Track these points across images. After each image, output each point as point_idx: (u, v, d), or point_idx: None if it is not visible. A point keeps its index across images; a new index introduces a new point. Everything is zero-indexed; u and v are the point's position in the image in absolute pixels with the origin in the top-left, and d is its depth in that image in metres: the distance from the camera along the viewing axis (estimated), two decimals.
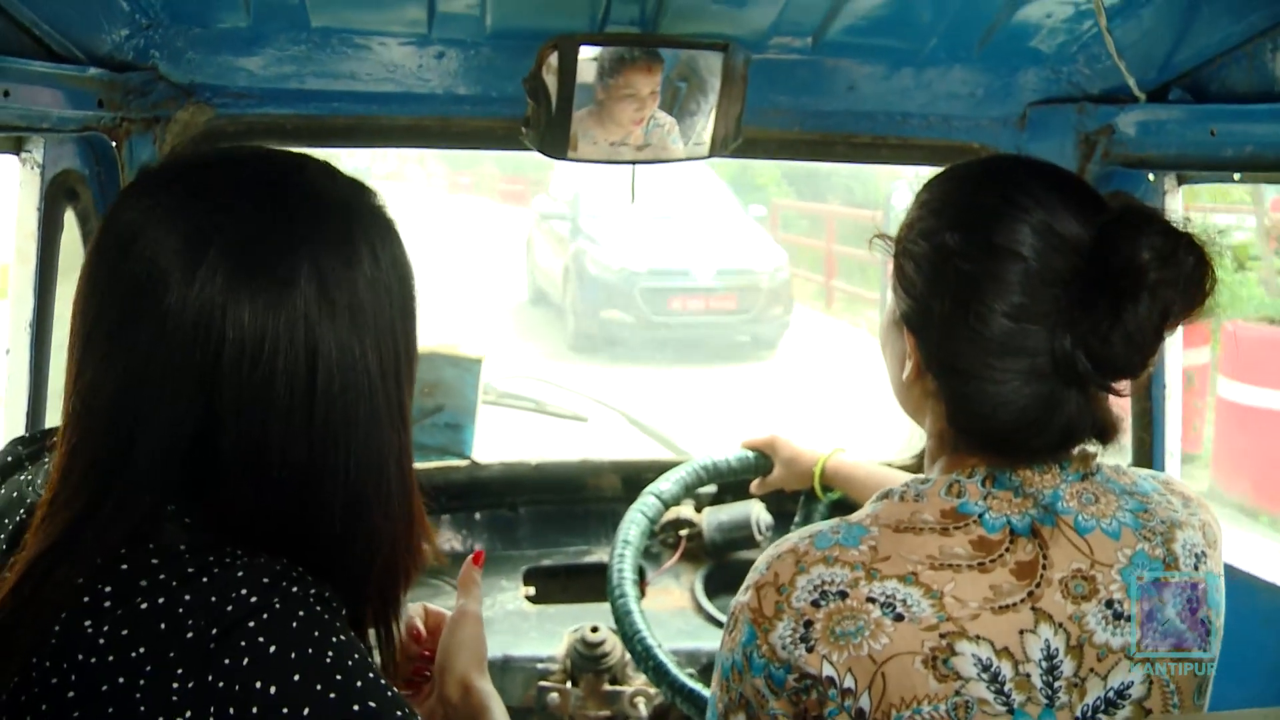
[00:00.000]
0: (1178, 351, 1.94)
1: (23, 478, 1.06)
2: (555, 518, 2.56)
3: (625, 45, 1.66)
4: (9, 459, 1.10)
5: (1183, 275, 1.10)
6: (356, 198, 1.02)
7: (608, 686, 2.10)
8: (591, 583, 2.42)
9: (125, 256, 0.93)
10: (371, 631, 1.07)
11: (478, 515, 2.53)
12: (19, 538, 0.97)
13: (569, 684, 2.11)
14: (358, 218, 1.00)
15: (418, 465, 2.34)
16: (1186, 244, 1.11)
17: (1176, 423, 1.93)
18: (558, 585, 2.46)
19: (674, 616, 2.28)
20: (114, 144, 1.71)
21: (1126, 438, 1.90)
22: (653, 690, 2.09)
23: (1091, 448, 1.22)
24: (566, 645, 2.14)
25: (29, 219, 1.61)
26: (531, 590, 2.40)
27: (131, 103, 1.71)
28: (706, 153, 1.78)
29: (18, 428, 1.64)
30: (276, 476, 0.94)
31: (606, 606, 2.09)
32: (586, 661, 2.09)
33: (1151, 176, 1.85)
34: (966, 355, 1.17)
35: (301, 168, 1.02)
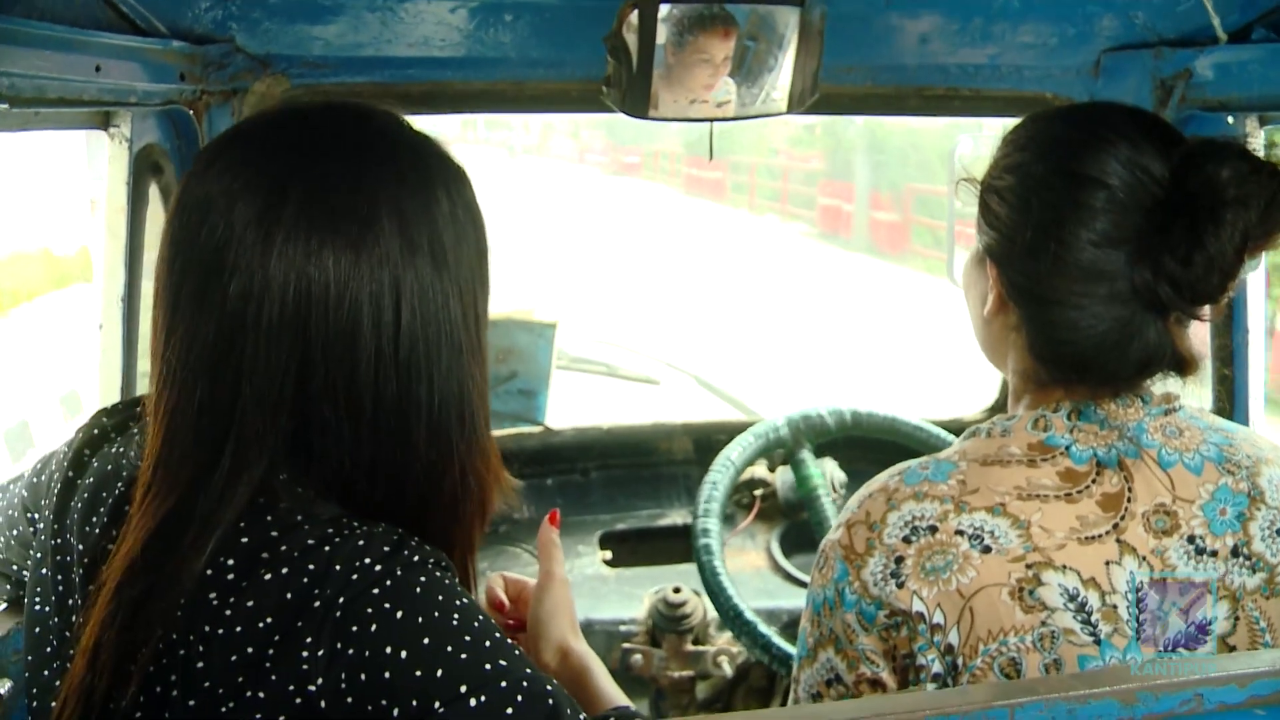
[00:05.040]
0: (1260, 288, 1.92)
1: (115, 450, 1.07)
2: (627, 482, 2.57)
3: (704, 1, 1.64)
4: (95, 431, 1.11)
5: (1262, 198, 1.10)
6: (426, 144, 1.03)
7: (690, 647, 2.12)
8: (666, 545, 2.43)
9: (205, 219, 0.94)
10: None
11: (550, 481, 2.54)
12: (120, 509, 0.98)
13: (651, 645, 2.13)
14: (430, 161, 1.02)
15: (492, 432, 2.35)
16: (1269, 170, 1.10)
17: (1260, 360, 1.91)
18: (631, 549, 2.48)
19: (752, 576, 2.29)
20: (194, 117, 1.72)
21: (1208, 379, 1.90)
22: (735, 649, 2.10)
23: (1171, 384, 1.22)
24: (648, 607, 2.15)
25: (118, 194, 1.63)
26: (608, 554, 2.41)
27: (211, 75, 1.71)
28: (784, 109, 1.76)
29: (113, 398, 1.66)
30: (370, 415, 0.96)
31: (683, 568, 2.10)
32: (669, 622, 2.11)
33: (1231, 119, 1.83)
34: (1049, 282, 1.18)
35: (369, 115, 1.03)
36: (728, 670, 2.10)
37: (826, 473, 2.33)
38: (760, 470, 2.45)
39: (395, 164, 0.98)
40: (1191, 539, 1.16)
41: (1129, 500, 1.16)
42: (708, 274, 14.27)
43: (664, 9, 1.62)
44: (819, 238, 19.09)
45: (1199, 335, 1.23)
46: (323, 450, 0.96)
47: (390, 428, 0.97)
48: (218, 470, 0.93)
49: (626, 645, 2.12)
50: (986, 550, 1.13)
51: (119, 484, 1.02)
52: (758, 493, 2.45)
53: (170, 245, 0.98)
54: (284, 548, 0.91)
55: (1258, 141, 1.81)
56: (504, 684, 0.87)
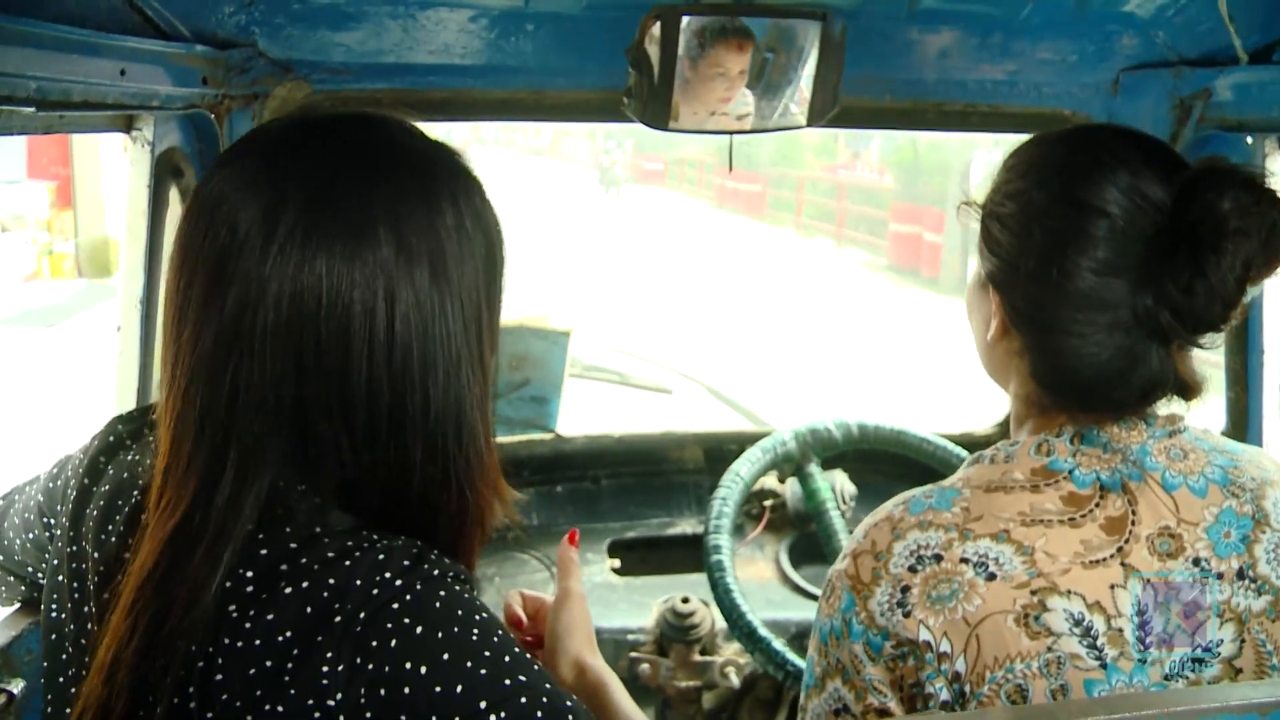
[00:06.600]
0: (1277, 309, 1.92)
1: (130, 458, 1.06)
2: (637, 490, 2.57)
3: (726, 14, 1.64)
4: (111, 438, 1.10)
5: (1264, 226, 1.10)
6: (436, 152, 1.02)
7: (698, 657, 2.12)
8: (675, 555, 2.43)
9: (211, 224, 0.94)
10: None
11: (560, 488, 2.54)
12: (136, 519, 0.98)
13: (659, 654, 2.13)
14: (438, 170, 1.00)
15: (502, 439, 2.35)
16: (1270, 198, 1.11)
17: (1275, 383, 1.90)
18: (640, 557, 2.48)
19: (761, 587, 2.29)
20: (216, 121, 1.72)
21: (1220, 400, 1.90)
22: (743, 660, 2.10)
23: (1176, 407, 1.23)
24: (656, 616, 2.15)
25: (140, 197, 1.63)
26: (617, 562, 2.41)
27: (233, 80, 1.72)
28: (804, 122, 1.77)
29: (129, 402, 1.67)
30: (364, 427, 0.95)
31: (692, 578, 2.10)
32: (677, 632, 2.11)
33: (1250, 140, 1.83)
34: (1051, 310, 1.18)
35: (377, 123, 1.02)
36: (735, 681, 2.10)
37: (836, 485, 2.34)
38: (770, 481, 2.46)
39: (397, 173, 0.97)
40: (1196, 561, 1.16)
41: (1133, 523, 1.16)
42: (747, 297, 13.25)
43: (686, 20, 1.62)
44: (889, 271, 16.81)
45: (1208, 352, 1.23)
46: (325, 462, 0.95)
47: (385, 441, 0.96)
48: (222, 481, 0.93)
49: (634, 654, 2.12)
50: (991, 577, 1.12)
51: (135, 492, 1.01)
52: (767, 504, 2.45)
53: (178, 249, 0.98)
54: (303, 560, 0.91)
55: (1276, 162, 1.81)
56: (524, 699, 0.87)
